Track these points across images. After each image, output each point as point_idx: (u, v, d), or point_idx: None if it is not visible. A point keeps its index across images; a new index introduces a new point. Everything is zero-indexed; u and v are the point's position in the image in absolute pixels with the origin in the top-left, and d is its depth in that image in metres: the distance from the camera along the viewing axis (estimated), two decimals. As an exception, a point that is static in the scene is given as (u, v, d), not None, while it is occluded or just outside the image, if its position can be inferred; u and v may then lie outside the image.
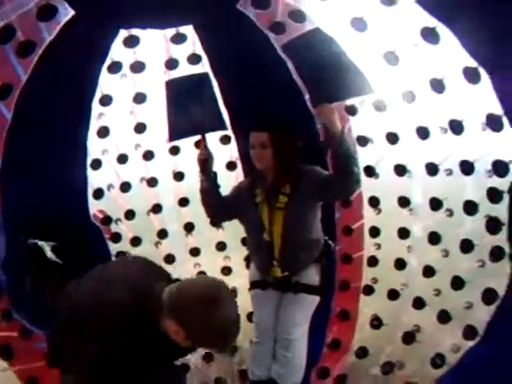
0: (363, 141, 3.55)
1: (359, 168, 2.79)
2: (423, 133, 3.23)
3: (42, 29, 2.93)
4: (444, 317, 3.20)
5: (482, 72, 2.65)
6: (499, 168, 2.90)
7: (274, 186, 2.91)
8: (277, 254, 2.91)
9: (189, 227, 4.17)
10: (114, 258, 3.81)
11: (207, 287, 1.90)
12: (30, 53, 2.94)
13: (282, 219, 2.87)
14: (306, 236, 2.95)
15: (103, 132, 3.74)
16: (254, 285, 3.12)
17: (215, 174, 3.07)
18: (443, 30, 2.72)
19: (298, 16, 3.23)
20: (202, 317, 1.80)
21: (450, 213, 3.20)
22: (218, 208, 3.08)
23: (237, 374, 3.55)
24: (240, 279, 3.78)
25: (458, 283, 3.12)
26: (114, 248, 3.97)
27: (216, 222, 3.43)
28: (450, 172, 3.16)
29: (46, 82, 3.03)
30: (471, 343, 2.97)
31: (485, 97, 2.73)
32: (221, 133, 3.79)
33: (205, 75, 3.20)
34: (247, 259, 3.33)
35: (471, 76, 2.73)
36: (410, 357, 3.41)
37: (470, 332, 3.02)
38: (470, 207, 3.05)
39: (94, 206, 3.78)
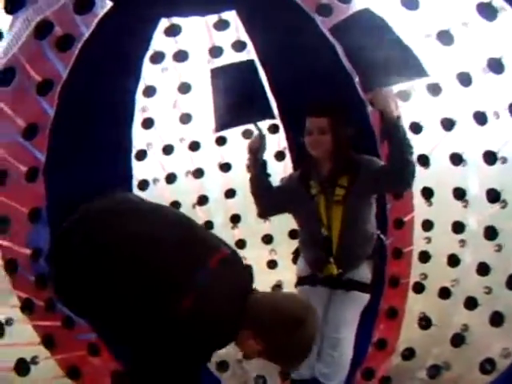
0: (416, 128, 3.30)
1: None
2: (481, 118, 2.97)
3: (79, 23, 2.91)
4: (497, 319, 2.96)
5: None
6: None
7: (331, 178, 2.77)
8: (335, 251, 2.78)
9: (235, 219, 4.10)
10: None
11: (296, 307, 1.86)
12: (68, 47, 2.93)
13: (341, 214, 2.74)
14: (364, 231, 2.82)
15: (148, 123, 3.72)
16: (302, 280, 2.99)
17: (265, 161, 2.99)
18: (501, 4, 2.50)
19: (344, -4, 3.07)
20: (287, 337, 1.78)
21: (504, 204, 2.94)
22: (269, 199, 2.98)
23: (278, 372, 3.44)
24: (286, 273, 3.69)
25: (513, 283, 2.87)
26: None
27: (267, 215, 3.32)
28: (504, 160, 2.91)
29: (87, 76, 3.01)
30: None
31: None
32: (268, 121, 3.65)
33: (250, 62, 3.13)
34: (294, 253, 3.19)
35: (533, 54, 2.50)
36: (458, 360, 3.20)
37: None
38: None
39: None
